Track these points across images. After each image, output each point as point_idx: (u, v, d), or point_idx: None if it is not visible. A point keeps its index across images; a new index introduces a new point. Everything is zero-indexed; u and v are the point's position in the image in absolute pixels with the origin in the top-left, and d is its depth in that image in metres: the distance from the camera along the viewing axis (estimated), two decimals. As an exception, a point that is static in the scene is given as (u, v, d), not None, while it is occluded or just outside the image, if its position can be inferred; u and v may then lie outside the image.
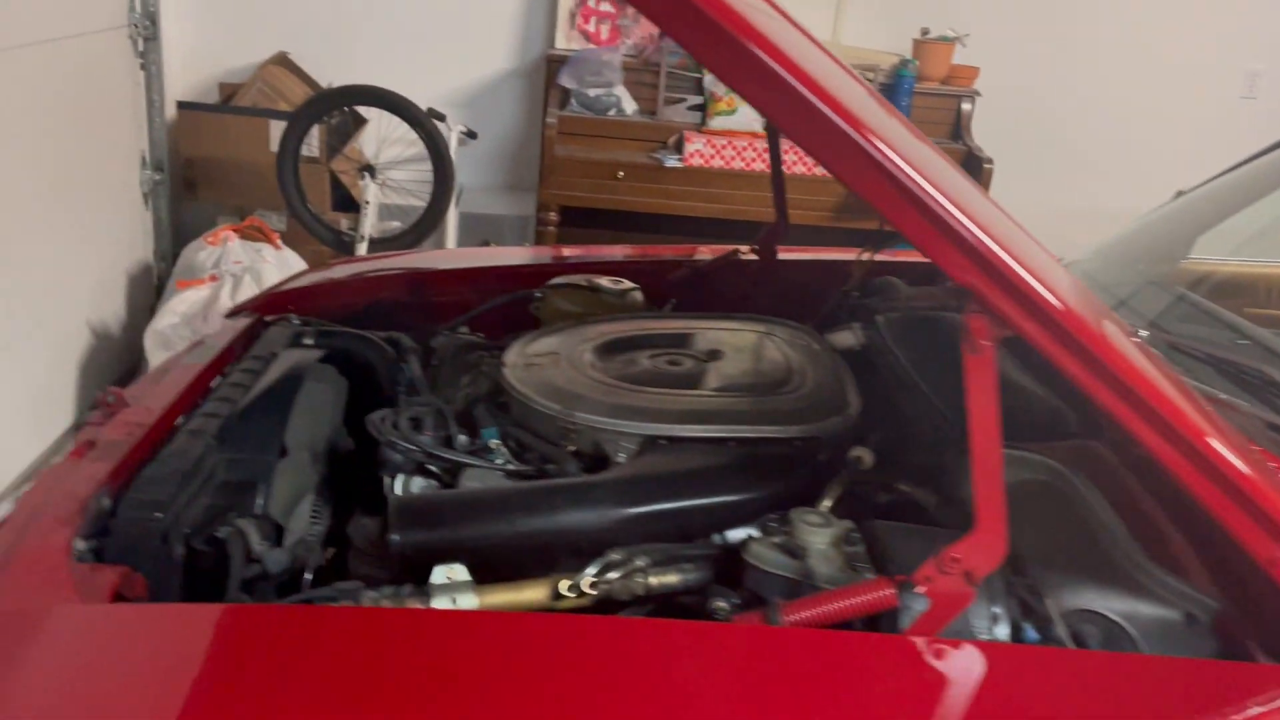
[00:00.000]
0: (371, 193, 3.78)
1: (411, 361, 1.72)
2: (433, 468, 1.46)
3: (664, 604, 1.18)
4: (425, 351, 1.83)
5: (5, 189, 2.98)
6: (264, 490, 1.41)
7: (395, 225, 4.02)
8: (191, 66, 4.47)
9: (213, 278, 3.39)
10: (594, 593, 1.15)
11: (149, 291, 4.13)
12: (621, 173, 3.99)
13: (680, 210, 4.11)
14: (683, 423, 1.37)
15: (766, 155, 4.06)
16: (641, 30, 4.39)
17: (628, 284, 2.01)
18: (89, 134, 3.58)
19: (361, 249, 3.83)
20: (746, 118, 4.08)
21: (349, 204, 4.39)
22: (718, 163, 4.00)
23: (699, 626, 1.03)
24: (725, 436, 1.36)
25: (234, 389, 1.53)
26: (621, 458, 1.35)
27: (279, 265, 3.56)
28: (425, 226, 3.87)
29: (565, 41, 4.42)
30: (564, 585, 1.15)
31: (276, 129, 4.15)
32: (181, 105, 4.24)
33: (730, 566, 1.23)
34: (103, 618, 1.02)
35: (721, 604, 1.13)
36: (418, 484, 1.48)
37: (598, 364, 1.60)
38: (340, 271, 2.33)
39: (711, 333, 1.75)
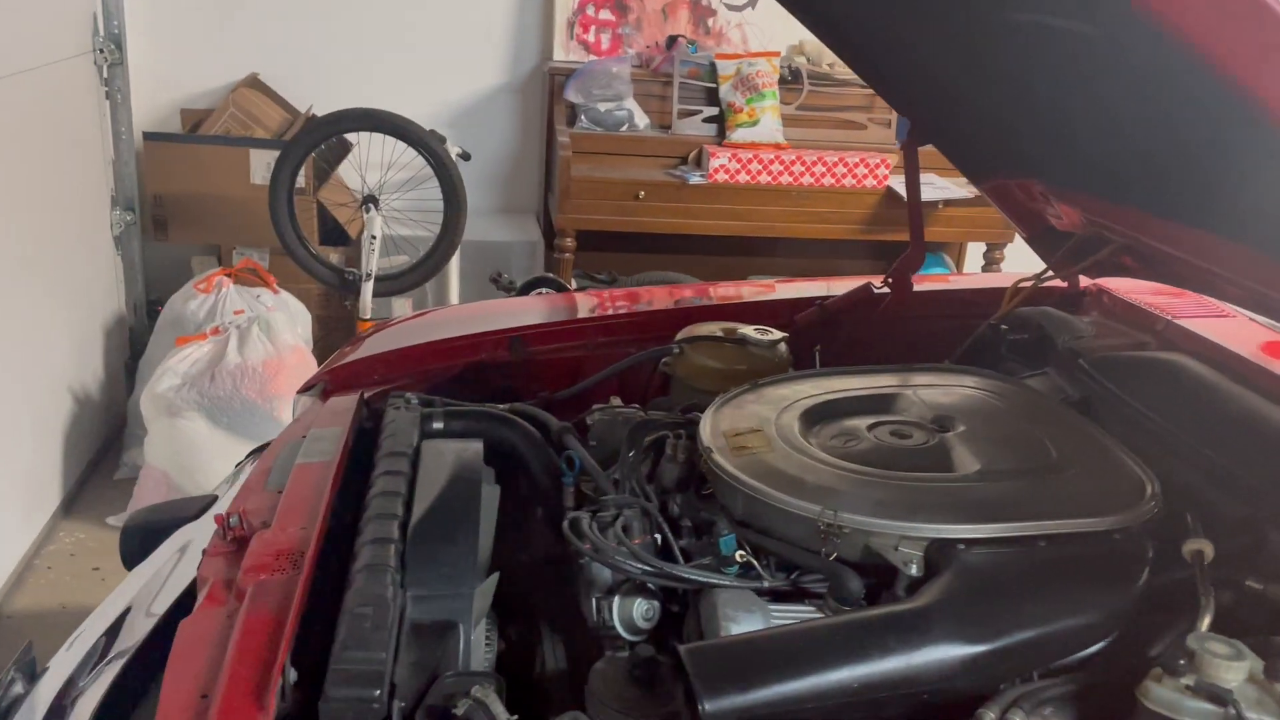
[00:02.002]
0: (377, 225, 3.47)
1: (576, 446, 1.45)
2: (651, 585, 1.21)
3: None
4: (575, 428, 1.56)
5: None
6: (465, 632, 1.14)
7: (403, 259, 3.70)
8: (150, 93, 4.07)
9: (215, 330, 3.04)
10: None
11: (124, 346, 3.74)
12: (642, 192, 3.74)
13: (705, 230, 3.87)
14: (977, 520, 1.14)
15: (793, 168, 3.87)
16: (645, 39, 4.14)
17: (775, 333, 1.77)
18: (55, 175, 3.20)
19: (367, 288, 3.51)
20: (769, 129, 3.86)
21: (336, 237, 4.06)
22: (743, 177, 3.77)
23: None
24: (1034, 535, 1.13)
25: (389, 500, 1.25)
26: (913, 569, 1.11)
27: (285, 312, 3.23)
28: (438, 259, 3.57)
29: (564, 53, 4.15)
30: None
31: (258, 158, 3.82)
32: (148, 136, 3.85)
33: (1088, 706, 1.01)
34: None
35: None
36: (640, 607, 1.22)
37: (814, 441, 1.36)
38: (411, 330, 2.04)
39: (914, 391, 1.51)
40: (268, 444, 2.18)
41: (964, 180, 4.03)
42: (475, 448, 1.38)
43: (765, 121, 3.85)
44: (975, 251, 4.28)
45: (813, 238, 3.97)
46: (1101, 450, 1.31)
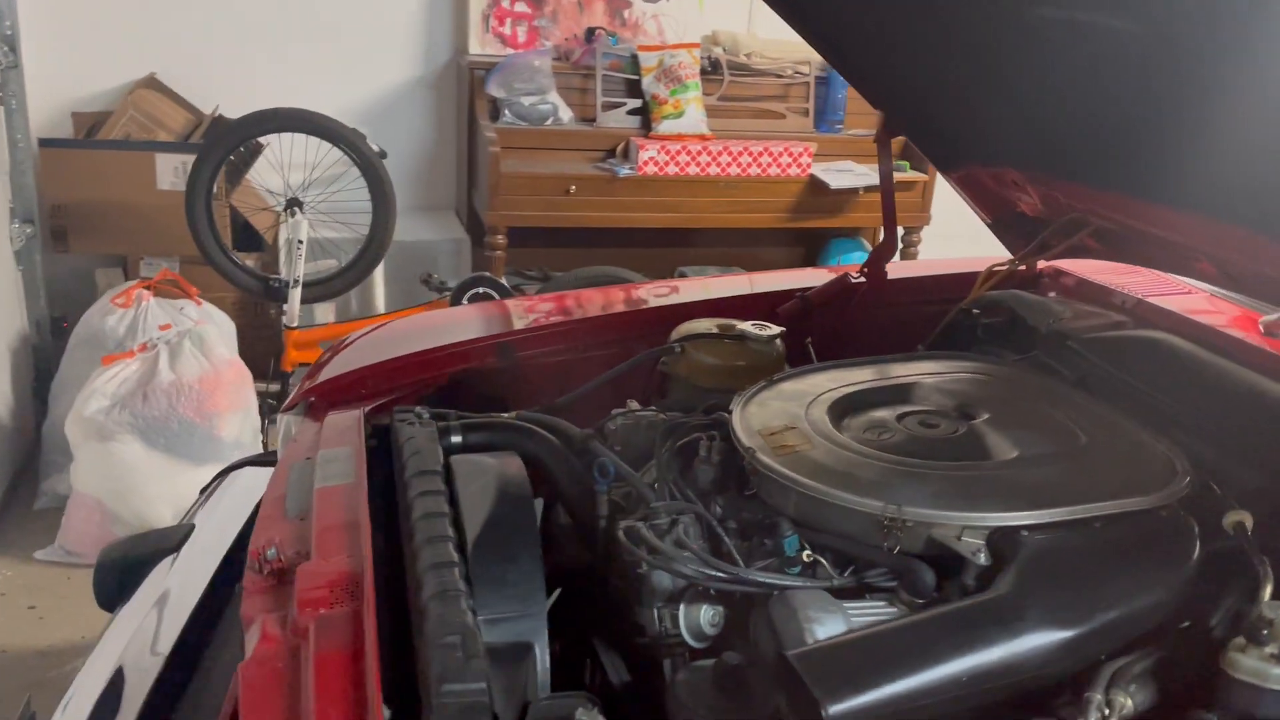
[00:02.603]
0: (303, 229, 3.34)
1: (607, 454, 1.43)
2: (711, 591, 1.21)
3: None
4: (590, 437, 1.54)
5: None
6: (541, 653, 1.11)
7: (330, 263, 3.58)
8: (39, 95, 3.82)
9: (142, 347, 2.88)
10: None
11: (29, 368, 3.52)
12: (573, 187, 3.71)
13: (636, 222, 3.86)
14: (1035, 506, 1.17)
15: (720, 158, 3.90)
16: (562, 31, 4.10)
17: (772, 328, 1.78)
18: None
19: (295, 295, 3.38)
20: (694, 120, 3.88)
21: (248, 242, 3.90)
22: (672, 169, 3.78)
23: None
24: (1089, 517, 1.17)
25: (436, 521, 1.21)
26: (982, 558, 1.13)
27: (214, 324, 3.08)
28: (369, 261, 3.47)
29: (479, 46, 4.07)
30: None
31: (164, 163, 3.64)
32: (43, 143, 3.62)
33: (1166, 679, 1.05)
34: None
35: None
36: (706, 614, 1.21)
37: (848, 434, 1.38)
38: (386, 342, 1.98)
39: (929, 380, 1.55)
40: (236, 465, 2.09)
41: (884, 165, 4.13)
42: (516, 461, 1.35)
43: (690, 113, 3.87)
44: (893, 234, 4.38)
45: (740, 227, 4.01)
46: (1123, 430, 1.37)
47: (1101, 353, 1.62)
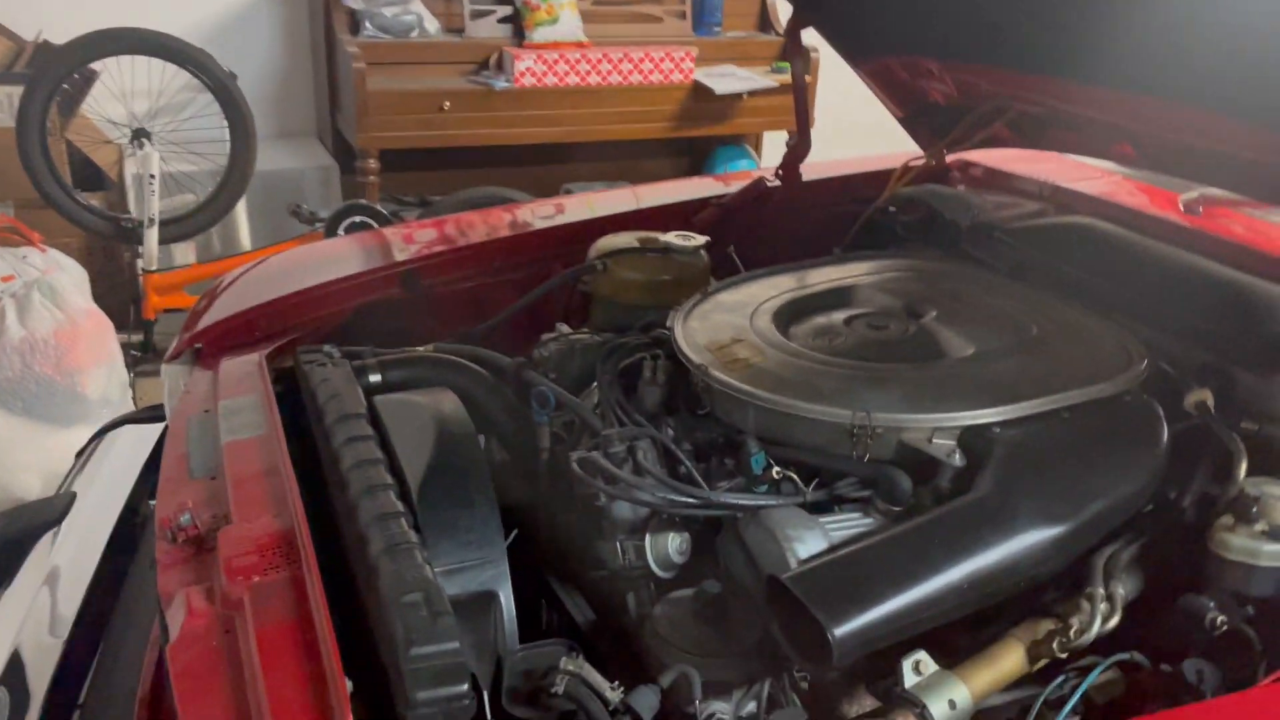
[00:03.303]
0: (154, 163, 3.05)
1: (545, 383, 1.33)
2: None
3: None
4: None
5: None
6: (506, 601, 1.03)
7: (188, 198, 3.30)
8: None
9: (-15, 301, 2.60)
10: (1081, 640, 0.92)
11: None
12: (448, 103, 3.50)
13: (516, 139, 3.69)
14: (1003, 401, 1.13)
15: (600, 67, 3.73)
16: (420, -64, 3.82)
17: (696, 238, 1.69)
18: None
19: (152, 236, 3.10)
20: (569, 26, 3.69)
21: (90, 181, 3.56)
22: (550, 80, 3.60)
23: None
24: (1057, 408, 1.14)
25: (370, 469, 1.10)
26: (956, 459, 1.09)
27: (64, 272, 2.80)
28: (230, 194, 3.23)
29: (331, -45, 3.76)
30: (1056, 645, 0.91)
31: (-13, 96, 3.26)
32: None
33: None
34: None
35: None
36: (674, 542, 1.14)
37: (797, 342, 1.31)
38: (275, 278, 1.80)
39: (864, 282, 1.49)
40: (113, 424, 1.90)
41: (766, 70, 4.06)
42: (450, 396, 1.24)
43: (565, 18, 3.68)
44: (775, 141, 4.34)
45: (625, 139, 3.89)
46: (1071, 319, 1.34)
47: (1030, 242, 1.60)
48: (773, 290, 1.47)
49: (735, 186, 2.03)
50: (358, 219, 3.16)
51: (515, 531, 1.11)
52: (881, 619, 0.90)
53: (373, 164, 3.54)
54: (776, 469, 1.12)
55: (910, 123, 2.01)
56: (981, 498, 1.01)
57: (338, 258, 1.92)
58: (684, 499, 1.09)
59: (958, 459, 1.09)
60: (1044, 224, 1.67)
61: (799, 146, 1.96)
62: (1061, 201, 1.79)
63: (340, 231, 3.16)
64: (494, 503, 1.08)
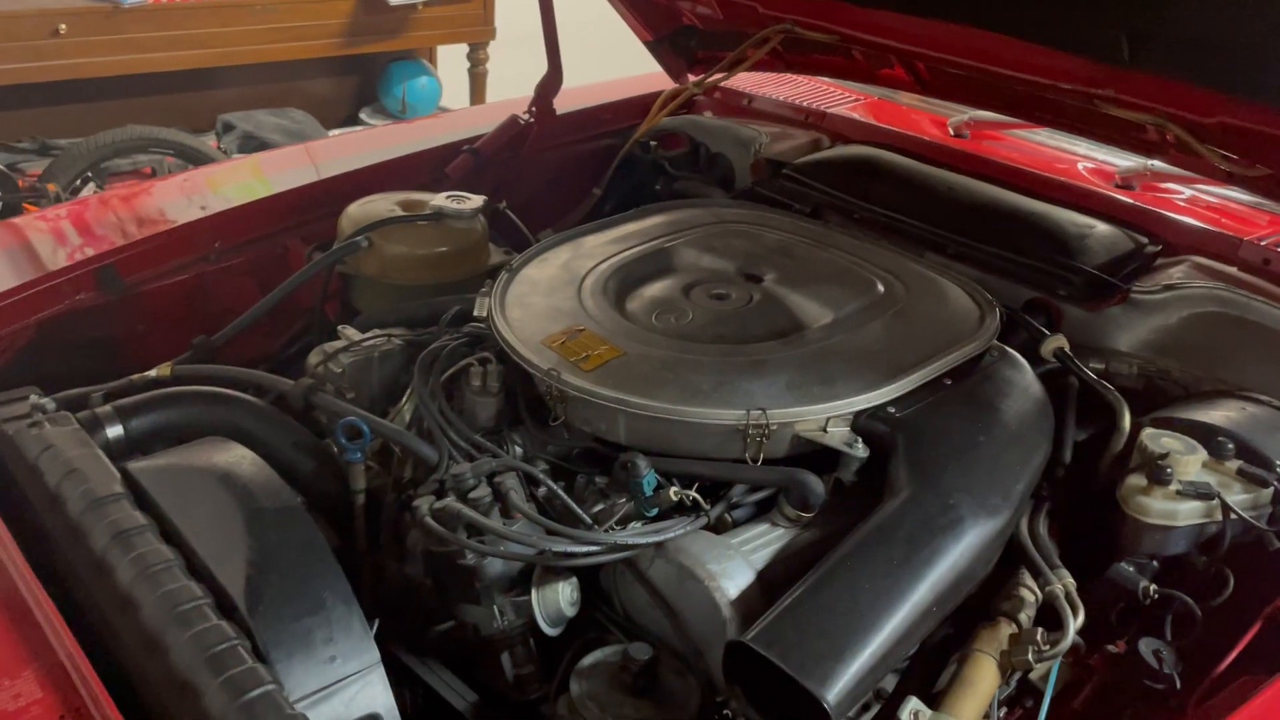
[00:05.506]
0: None
1: (350, 409, 1.07)
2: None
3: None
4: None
5: None
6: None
7: None
8: None
9: None
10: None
11: None
12: (63, 26, 2.86)
13: (154, 66, 3.10)
14: (887, 378, 1.03)
15: (248, -24, 3.19)
16: None
17: (472, 198, 1.45)
18: None
19: None
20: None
21: None
22: (190, -7, 3.05)
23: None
24: (938, 376, 1.07)
25: (160, 578, 0.82)
26: (860, 448, 0.99)
27: None
28: None
29: None
30: (1032, 655, 0.85)
31: None
32: None
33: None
34: None
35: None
36: (564, 593, 0.96)
37: (640, 325, 1.15)
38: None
39: (677, 242, 1.34)
40: None
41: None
42: (243, 452, 0.95)
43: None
44: (453, 55, 4.00)
45: (285, 60, 3.41)
46: (907, 267, 1.28)
47: (821, 179, 1.52)
48: (585, 259, 1.28)
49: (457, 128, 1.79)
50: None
51: (378, 620, 0.88)
52: (868, 669, 0.79)
53: (-33, 106, 2.84)
54: (675, 489, 0.96)
55: (657, 47, 1.86)
56: (914, 500, 0.91)
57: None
58: (579, 547, 0.91)
59: (860, 449, 0.99)
60: (831, 158, 1.61)
61: (550, 78, 1.74)
62: (832, 129, 1.73)
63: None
64: (349, 591, 0.84)
